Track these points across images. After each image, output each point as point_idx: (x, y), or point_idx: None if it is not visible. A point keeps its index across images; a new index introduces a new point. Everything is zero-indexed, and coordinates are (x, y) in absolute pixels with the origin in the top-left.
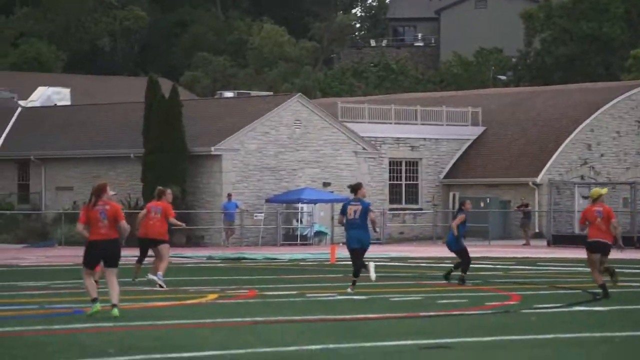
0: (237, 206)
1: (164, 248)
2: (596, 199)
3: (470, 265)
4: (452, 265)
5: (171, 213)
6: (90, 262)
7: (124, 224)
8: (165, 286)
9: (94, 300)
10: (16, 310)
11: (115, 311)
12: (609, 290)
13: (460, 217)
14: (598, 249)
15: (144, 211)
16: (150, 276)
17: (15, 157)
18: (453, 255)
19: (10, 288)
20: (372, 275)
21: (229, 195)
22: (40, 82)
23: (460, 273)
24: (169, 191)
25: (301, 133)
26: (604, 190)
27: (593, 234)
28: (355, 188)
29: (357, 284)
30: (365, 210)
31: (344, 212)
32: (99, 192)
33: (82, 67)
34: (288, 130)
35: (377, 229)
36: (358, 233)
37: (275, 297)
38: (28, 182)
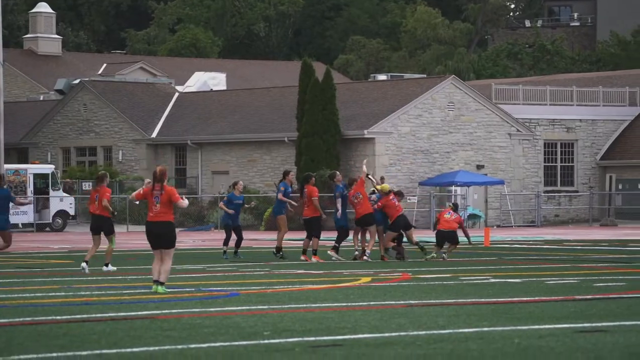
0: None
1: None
2: (386, 193)
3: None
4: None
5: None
6: (149, 242)
7: (180, 203)
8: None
9: (155, 282)
10: (174, 293)
11: (158, 288)
12: None
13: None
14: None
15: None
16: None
17: (173, 142)
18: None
19: None
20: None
21: (382, 179)
22: (197, 68)
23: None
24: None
25: (455, 115)
26: (387, 187)
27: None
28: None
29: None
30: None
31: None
32: (161, 176)
33: (237, 52)
34: (441, 112)
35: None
36: None
37: (428, 280)
38: (185, 166)
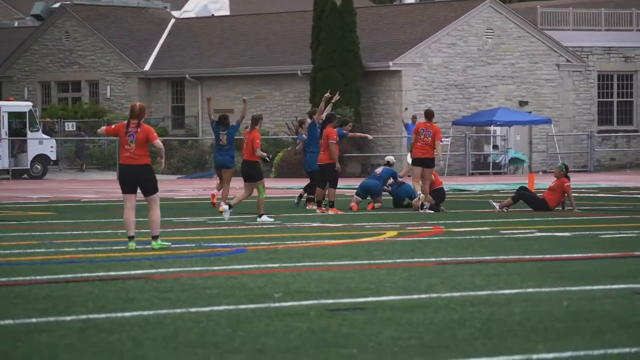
0: None
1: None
2: None
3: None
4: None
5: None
6: (121, 186)
7: (157, 143)
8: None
9: (130, 239)
10: (172, 249)
11: (154, 243)
12: None
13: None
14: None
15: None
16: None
17: (169, 76)
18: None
19: (164, 224)
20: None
21: (414, 118)
22: None
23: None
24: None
25: (494, 44)
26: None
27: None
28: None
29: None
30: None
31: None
32: (140, 112)
33: None
34: (478, 41)
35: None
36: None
37: (463, 234)
38: (183, 104)
